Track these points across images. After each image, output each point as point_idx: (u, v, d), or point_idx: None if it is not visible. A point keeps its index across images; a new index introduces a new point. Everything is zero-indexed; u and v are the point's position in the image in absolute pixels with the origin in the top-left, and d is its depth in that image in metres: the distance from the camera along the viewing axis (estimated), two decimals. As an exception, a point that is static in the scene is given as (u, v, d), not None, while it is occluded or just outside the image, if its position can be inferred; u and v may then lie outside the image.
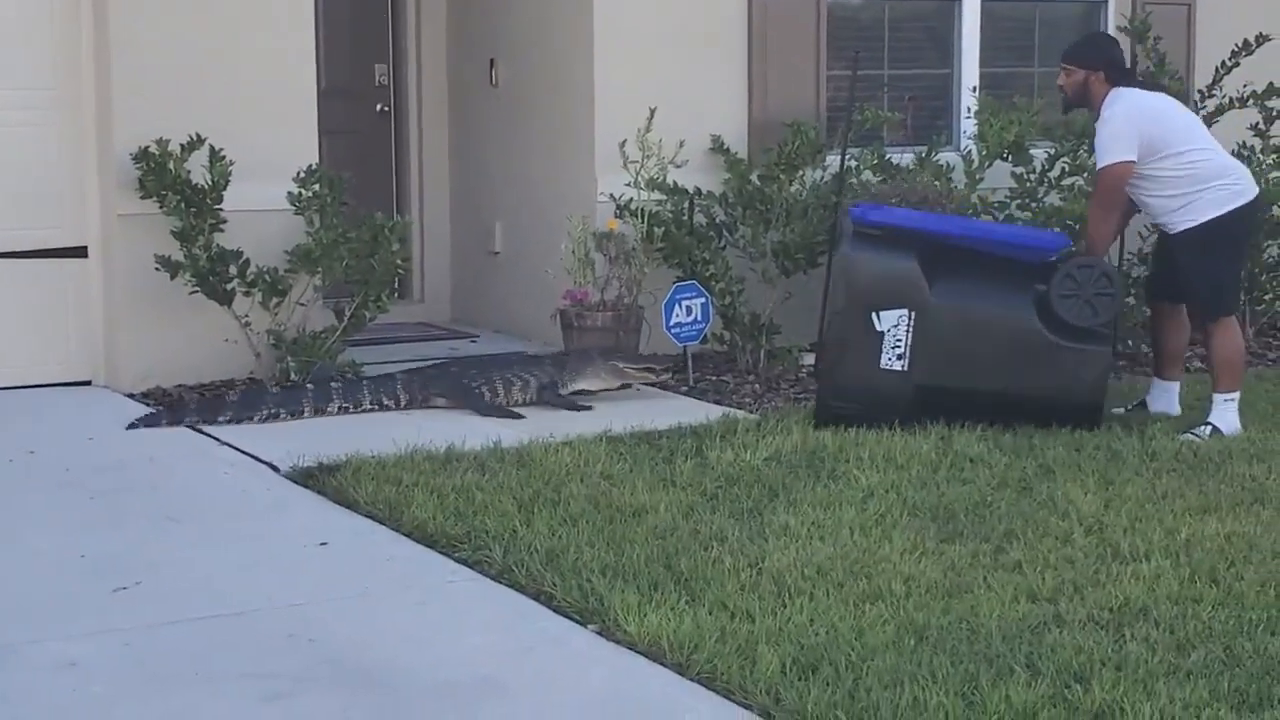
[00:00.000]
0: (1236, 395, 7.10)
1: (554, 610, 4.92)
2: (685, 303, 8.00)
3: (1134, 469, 6.41)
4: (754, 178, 8.58)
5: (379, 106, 10.03)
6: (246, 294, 7.61)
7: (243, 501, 6.11)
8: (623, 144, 8.10)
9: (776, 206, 8.17)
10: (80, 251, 7.88)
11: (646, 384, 7.69)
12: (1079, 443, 6.81)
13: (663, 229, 8.24)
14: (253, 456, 6.65)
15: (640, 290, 8.05)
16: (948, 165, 8.77)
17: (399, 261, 7.74)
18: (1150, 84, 7.29)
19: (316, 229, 7.63)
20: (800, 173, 8.46)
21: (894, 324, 6.91)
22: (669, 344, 8.23)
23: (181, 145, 7.53)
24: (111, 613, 4.88)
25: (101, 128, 7.76)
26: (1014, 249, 7.16)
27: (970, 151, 8.96)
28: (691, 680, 4.39)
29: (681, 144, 8.20)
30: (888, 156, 8.76)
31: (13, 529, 5.73)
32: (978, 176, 8.72)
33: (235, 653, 4.58)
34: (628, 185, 8.22)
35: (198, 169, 7.54)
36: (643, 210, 8.19)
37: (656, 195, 8.29)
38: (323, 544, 5.55)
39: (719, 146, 8.76)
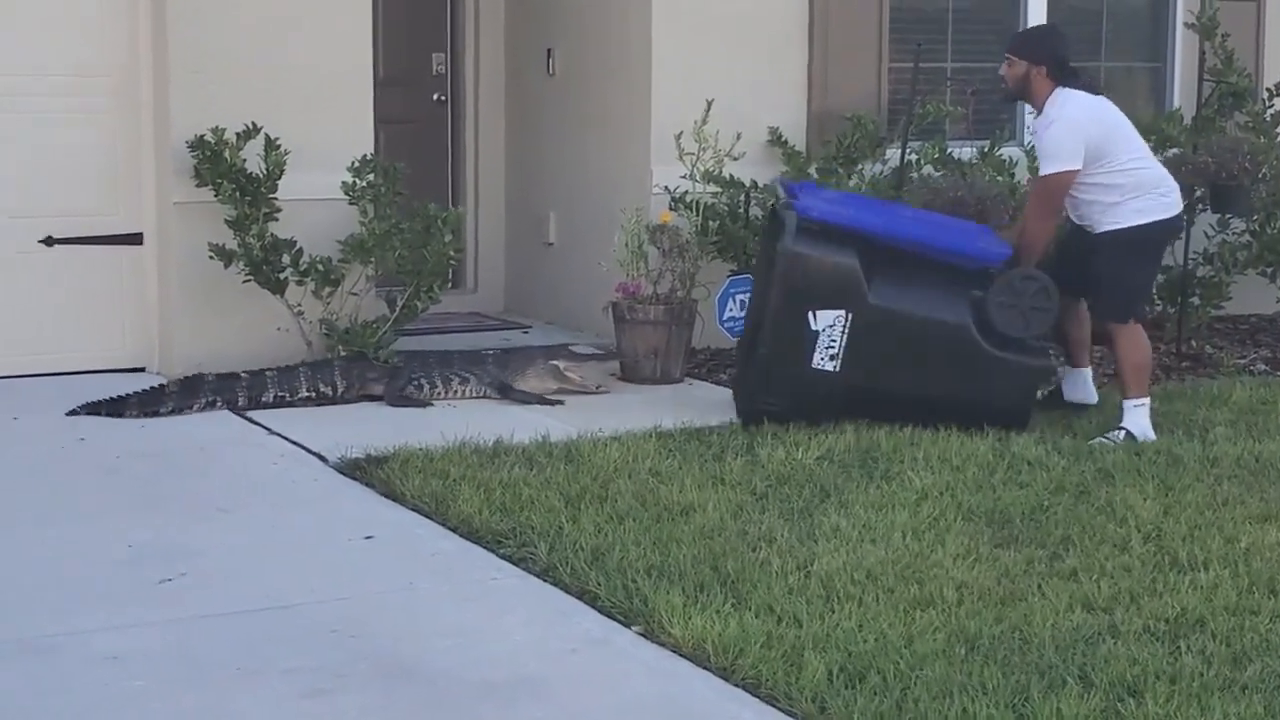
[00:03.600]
0: (1147, 400, 6.97)
1: (597, 610, 4.87)
2: (739, 296, 7.90)
3: (1194, 475, 6.29)
4: (812, 171, 8.49)
5: (436, 96, 9.98)
6: (299, 283, 7.59)
7: (290, 492, 6.09)
8: (679, 136, 8.01)
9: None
10: (136, 239, 7.89)
11: (585, 393, 7.63)
12: (1139, 447, 6.70)
13: (718, 222, 8.16)
14: (301, 446, 6.63)
15: (694, 284, 7.97)
16: (1010, 159, 8.65)
17: (451, 252, 7.69)
18: (1092, 86, 7.12)
19: (370, 219, 7.60)
20: (859, 166, 8.35)
21: (830, 324, 6.76)
22: (722, 338, 8.16)
23: (237, 134, 7.51)
24: (156, 605, 4.86)
25: (159, 115, 7.76)
26: (955, 257, 6.98)
27: (1033, 146, 8.82)
28: (735, 685, 4.33)
29: (738, 136, 8.10)
30: (949, 150, 8.65)
31: (62, 517, 5.74)
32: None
33: (278, 647, 4.55)
34: (683, 177, 8.14)
35: (253, 158, 7.52)
36: (698, 203, 8.11)
37: (712, 188, 8.21)
38: (368, 537, 5.52)
39: (777, 139, 8.68)
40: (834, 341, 6.76)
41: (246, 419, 7.12)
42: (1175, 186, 7.05)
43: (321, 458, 6.46)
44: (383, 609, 4.89)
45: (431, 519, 5.72)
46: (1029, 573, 5.17)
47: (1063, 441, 6.77)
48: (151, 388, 7.22)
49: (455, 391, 7.50)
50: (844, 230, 6.84)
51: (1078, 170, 6.79)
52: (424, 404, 7.38)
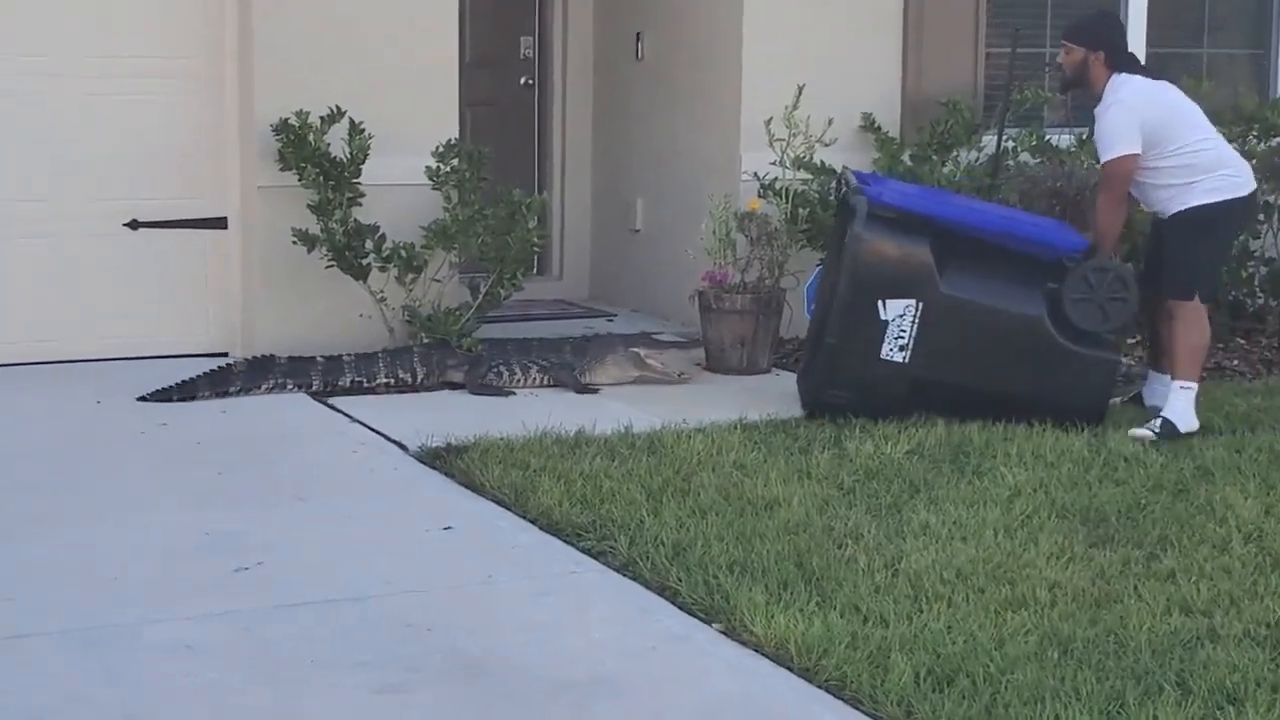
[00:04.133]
0: (1195, 386, 6.75)
1: (678, 607, 4.76)
2: (829, 286, 7.75)
3: (1298, 473, 6.08)
4: (906, 158, 8.32)
5: (523, 79, 9.89)
6: (382, 269, 7.52)
7: (368, 481, 6.02)
8: (769, 122, 7.85)
9: (928, 188, 7.88)
10: (220, 223, 7.86)
11: (668, 381, 7.50)
12: (1240, 444, 6.50)
13: (808, 209, 8.00)
14: (382, 435, 6.57)
15: (782, 272, 7.83)
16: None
17: (535, 239, 7.58)
18: (1152, 72, 6.93)
19: (454, 205, 7.51)
20: (954, 153, 8.16)
21: (900, 314, 6.58)
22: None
23: (321, 117, 7.44)
24: (231, 594, 4.80)
25: (243, 97, 7.72)
26: (1031, 245, 6.81)
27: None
28: (819, 687, 4.20)
29: (830, 122, 7.94)
30: (1047, 138, 8.45)
31: (141, 504, 5.69)
32: (1140, 160, 8.36)
33: (352, 640, 4.47)
34: (773, 164, 7.99)
35: (337, 141, 7.45)
36: (787, 190, 7.96)
37: (802, 174, 8.05)
38: (447, 528, 5.44)
39: (869, 124, 8.51)
40: (904, 332, 6.60)
41: (328, 405, 7.07)
42: (1246, 166, 6.93)
43: (401, 446, 6.39)
44: (459, 602, 4.80)
45: (511, 510, 5.63)
46: (1125, 573, 5.01)
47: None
48: (219, 367, 7.18)
49: (534, 379, 7.41)
50: (916, 217, 6.69)
51: (1136, 154, 6.64)
52: (505, 393, 7.29)
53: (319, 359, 7.25)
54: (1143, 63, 7.16)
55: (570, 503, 5.57)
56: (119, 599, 4.74)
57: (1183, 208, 6.75)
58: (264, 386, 7.11)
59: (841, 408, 6.70)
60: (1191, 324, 6.79)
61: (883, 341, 6.61)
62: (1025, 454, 6.28)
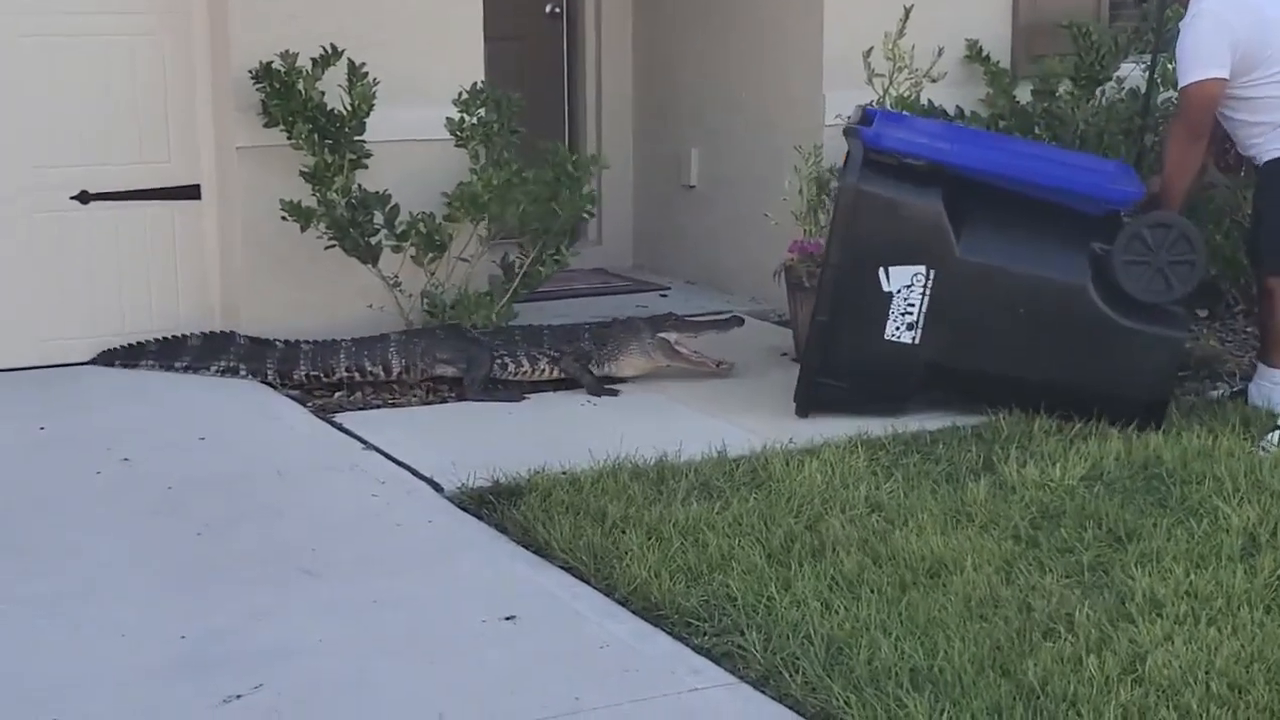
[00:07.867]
0: None
1: (854, 750, 3.39)
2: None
3: None
4: (1019, 94, 6.97)
5: (549, 7, 8.53)
6: (396, 249, 6.08)
7: (398, 542, 4.58)
8: (868, 53, 6.40)
9: (1070, 131, 6.47)
10: (192, 192, 6.47)
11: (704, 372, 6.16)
12: None
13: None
14: (407, 467, 5.15)
15: (890, 241, 6.41)
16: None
17: (588, 207, 6.15)
18: None
19: (483, 165, 6.07)
20: (1102, 89, 6.75)
21: (906, 284, 5.46)
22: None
23: (313, 59, 6.05)
24: (218, 741, 3.40)
25: (216, 38, 6.32)
26: (1069, 198, 5.59)
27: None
28: None
29: (940, 51, 6.51)
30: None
31: (87, 588, 4.22)
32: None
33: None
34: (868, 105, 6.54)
35: (333, 89, 6.04)
36: (889, 137, 6.54)
37: (908, 118, 6.63)
38: (509, 618, 4.03)
39: (975, 53, 7.12)
40: (912, 306, 5.45)
41: (331, 424, 5.65)
42: None
43: (434, 485, 4.98)
44: (544, 750, 3.41)
45: (590, 584, 4.26)
46: None
47: (1397, 449, 5.23)
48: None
49: (543, 371, 6.04)
50: (925, 164, 5.52)
51: (1223, 80, 5.49)
52: (514, 398, 5.91)
53: (278, 344, 6.03)
54: None
55: (670, 573, 4.21)
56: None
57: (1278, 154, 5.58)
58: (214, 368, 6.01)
59: (839, 402, 5.58)
60: None
61: (886, 318, 5.46)
62: (1237, 478, 4.95)
